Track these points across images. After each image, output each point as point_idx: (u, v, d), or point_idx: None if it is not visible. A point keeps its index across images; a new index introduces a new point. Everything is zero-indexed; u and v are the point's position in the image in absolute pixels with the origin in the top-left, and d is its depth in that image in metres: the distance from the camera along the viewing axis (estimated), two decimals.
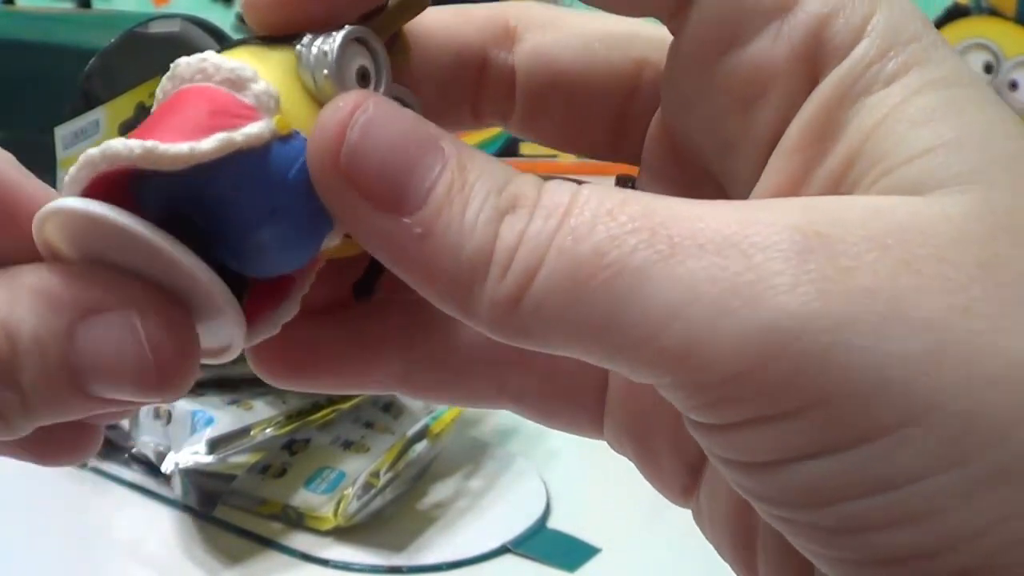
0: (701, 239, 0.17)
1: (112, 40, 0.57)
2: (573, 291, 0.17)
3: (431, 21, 0.23)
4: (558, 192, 0.18)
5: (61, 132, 0.56)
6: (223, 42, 0.66)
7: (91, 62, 0.56)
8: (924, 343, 0.17)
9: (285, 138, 0.18)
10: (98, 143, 0.18)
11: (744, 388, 0.17)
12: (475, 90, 0.24)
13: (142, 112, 0.61)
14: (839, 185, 0.19)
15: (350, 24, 0.19)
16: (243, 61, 0.18)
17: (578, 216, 0.18)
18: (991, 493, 0.17)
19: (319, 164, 0.18)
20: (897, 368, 0.17)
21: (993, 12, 1.38)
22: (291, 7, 0.19)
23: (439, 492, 0.58)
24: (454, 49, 0.23)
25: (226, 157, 0.17)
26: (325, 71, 0.19)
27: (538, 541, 0.54)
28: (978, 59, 1.38)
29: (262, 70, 0.18)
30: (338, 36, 0.19)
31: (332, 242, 0.19)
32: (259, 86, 0.18)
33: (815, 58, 0.20)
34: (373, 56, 0.20)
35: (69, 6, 1.28)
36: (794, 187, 0.20)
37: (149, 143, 0.17)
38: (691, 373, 0.17)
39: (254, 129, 0.17)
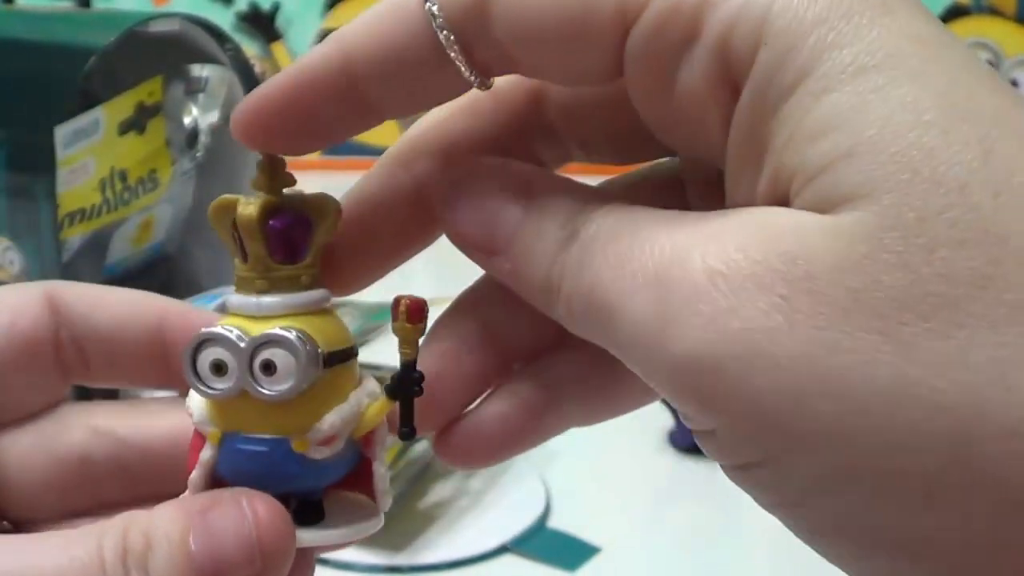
0: (641, 278, 0.20)
1: (112, 39, 0.57)
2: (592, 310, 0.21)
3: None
4: (591, 226, 0.21)
5: (61, 131, 0.56)
6: (223, 41, 0.66)
7: (91, 61, 0.56)
8: (790, 378, 0.18)
9: (226, 439, 0.22)
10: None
11: (686, 407, 0.20)
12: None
13: (142, 111, 0.61)
14: (773, 204, 0.20)
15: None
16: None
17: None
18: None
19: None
20: (769, 401, 0.18)
21: (993, 11, 1.37)
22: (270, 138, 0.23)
23: (439, 492, 0.58)
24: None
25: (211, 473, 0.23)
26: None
27: (538, 541, 0.54)
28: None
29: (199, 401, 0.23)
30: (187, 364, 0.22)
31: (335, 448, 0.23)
32: (196, 420, 0.23)
33: (729, 78, 0.20)
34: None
35: (69, 5, 1.28)
36: (748, 204, 0.20)
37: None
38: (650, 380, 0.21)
39: (204, 456, 0.23)
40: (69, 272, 0.59)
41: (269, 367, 0.22)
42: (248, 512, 0.22)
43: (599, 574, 0.52)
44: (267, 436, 0.22)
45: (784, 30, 0.19)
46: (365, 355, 0.71)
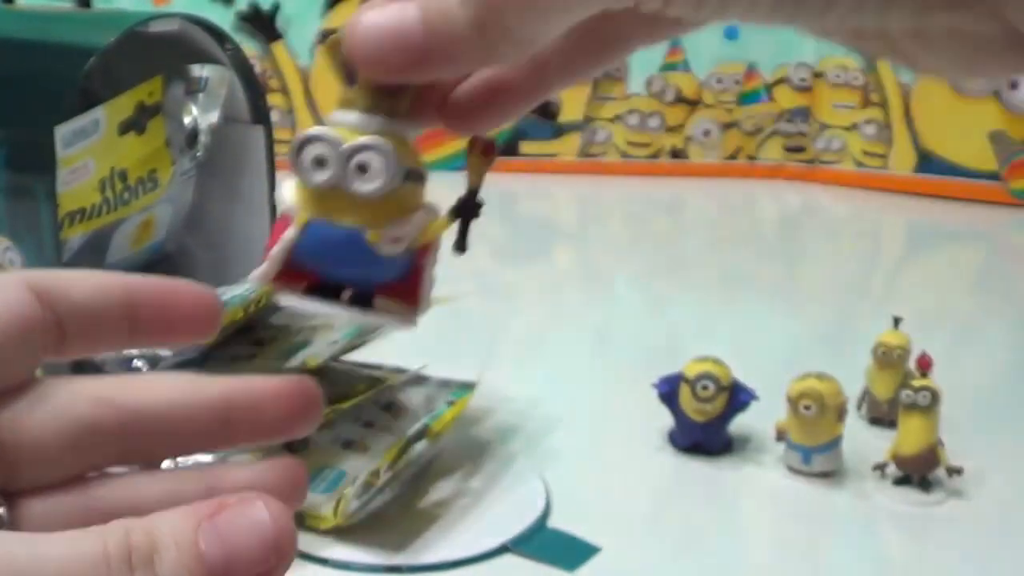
0: None
1: (112, 39, 0.57)
2: None
3: None
4: None
5: (61, 131, 0.56)
6: (223, 41, 0.66)
7: (91, 61, 0.56)
8: None
9: (307, 226, 0.26)
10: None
11: None
12: None
13: (142, 111, 0.61)
14: None
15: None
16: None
17: None
18: None
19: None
20: None
21: None
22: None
23: (439, 491, 0.58)
24: None
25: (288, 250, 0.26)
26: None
27: (538, 540, 0.54)
28: None
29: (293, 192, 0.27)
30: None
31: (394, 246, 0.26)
32: (287, 206, 0.26)
33: None
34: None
35: (69, 5, 1.28)
36: None
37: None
38: None
39: (287, 235, 0.26)
40: None
41: (363, 168, 0.26)
42: (266, 511, 0.23)
43: (599, 574, 0.52)
44: (347, 224, 0.26)
45: None
46: (365, 355, 0.71)
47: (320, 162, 0.26)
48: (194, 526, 0.23)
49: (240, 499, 0.24)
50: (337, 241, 0.26)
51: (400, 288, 0.28)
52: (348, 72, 0.27)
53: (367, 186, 0.26)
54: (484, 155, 0.27)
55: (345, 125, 0.26)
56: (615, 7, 0.24)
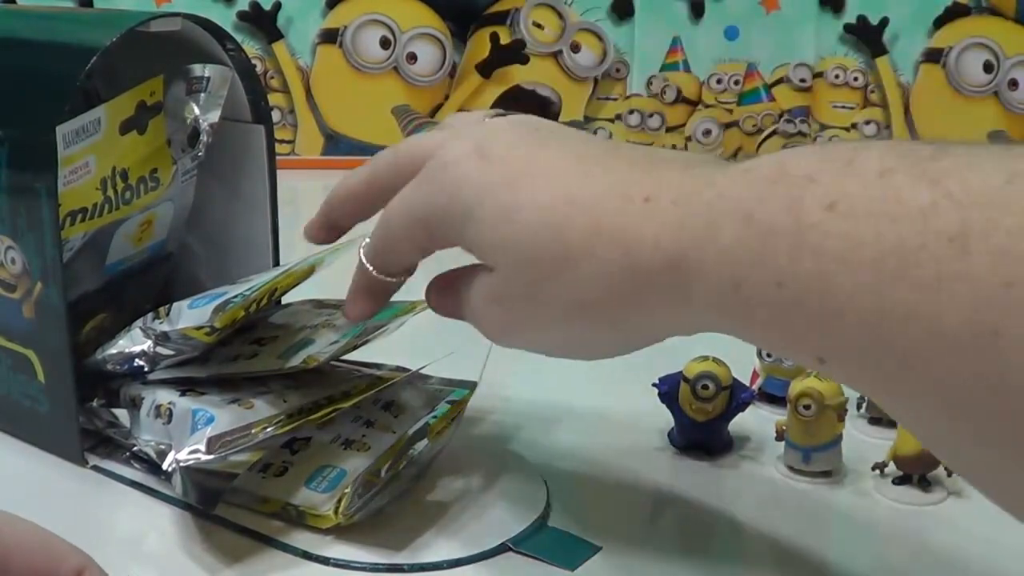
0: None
1: (113, 38, 0.57)
2: None
3: None
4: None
5: (62, 130, 0.56)
6: (224, 41, 0.66)
7: (92, 60, 0.56)
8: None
9: None
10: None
11: None
12: None
13: (143, 111, 0.61)
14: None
15: None
16: None
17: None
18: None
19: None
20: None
21: (993, 11, 1.37)
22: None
23: (440, 491, 0.58)
24: None
25: None
26: None
27: (539, 539, 0.54)
28: (978, 58, 1.38)
29: None
30: None
31: None
32: None
33: None
34: None
35: (70, 4, 1.28)
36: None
37: None
38: None
39: None
40: (70, 271, 0.60)
41: None
42: None
43: (599, 573, 0.52)
44: None
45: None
46: (365, 355, 0.71)
47: None
48: None
49: None
50: None
51: None
52: None
53: None
54: None
55: None
56: None
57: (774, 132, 1.39)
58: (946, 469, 0.59)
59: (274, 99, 1.35)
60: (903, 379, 0.33)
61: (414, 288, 0.55)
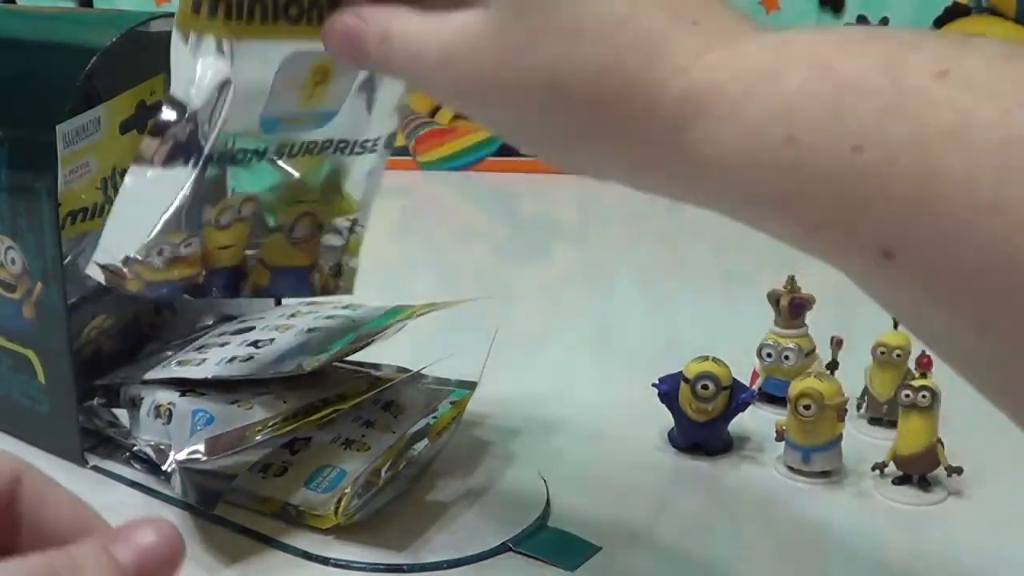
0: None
1: (113, 38, 0.57)
2: None
3: None
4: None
5: (63, 130, 0.56)
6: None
7: (92, 60, 0.56)
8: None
9: None
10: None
11: None
12: None
13: (143, 110, 0.61)
14: None
15: None
16: None
17: None
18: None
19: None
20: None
21: (993, 11, 1.37)
22: None
23: (440, 491, 0.58)
24: None
25: None
26: None
27: (539, 539, 0.54)
28: None
29: None
30: None
31: None
32: None
33: None
34: None
35: (70, 4, 1.28)
36: None
37: None
38: None
39: None
40: (70, 271, 0.60)
41: None
42: (161, 522, 0.29)
43: (599, 573, 0.52)
44: None
45: None
46: (364, 355, 0.71)
47: None
48: (105, 545, 0.28)
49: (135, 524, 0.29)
50: None
51: None
52: None
53: None
54: None
55: None
56: None
57: None
58: (946, 469, 0.59)
59: None
60: (996, 287, 0.27)
61: (414, 291, 0.55)
